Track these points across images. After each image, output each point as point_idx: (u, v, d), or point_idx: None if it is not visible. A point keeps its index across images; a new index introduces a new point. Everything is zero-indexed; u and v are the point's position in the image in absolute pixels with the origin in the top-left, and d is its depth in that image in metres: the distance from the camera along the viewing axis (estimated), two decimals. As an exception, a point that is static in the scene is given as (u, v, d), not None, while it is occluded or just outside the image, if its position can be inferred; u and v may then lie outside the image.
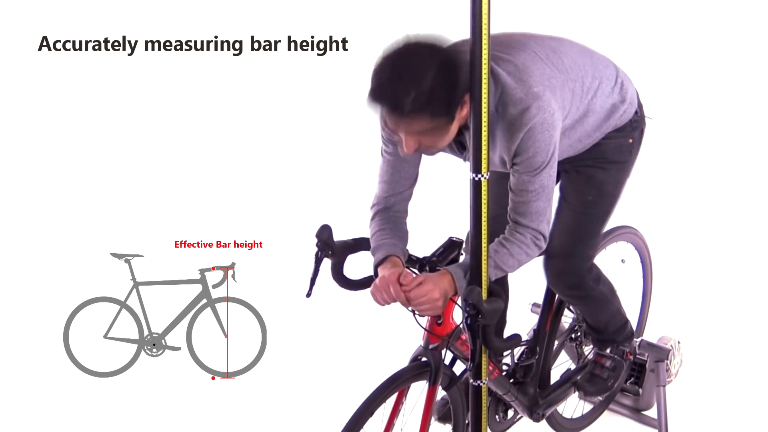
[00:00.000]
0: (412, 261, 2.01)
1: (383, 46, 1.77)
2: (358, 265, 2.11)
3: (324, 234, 1.97)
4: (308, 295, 2.00)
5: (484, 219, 1.80)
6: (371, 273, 2.04)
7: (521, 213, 1.90)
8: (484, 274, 1.84)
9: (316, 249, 1.98)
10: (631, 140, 2.22)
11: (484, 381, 2.00)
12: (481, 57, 1.68)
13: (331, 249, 1.97)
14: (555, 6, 4.69)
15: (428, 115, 1.69)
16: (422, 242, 2.18)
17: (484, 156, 1.75)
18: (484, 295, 1.83)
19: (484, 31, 1.66)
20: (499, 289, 1.86)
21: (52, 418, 3.10)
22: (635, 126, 2.22)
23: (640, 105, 2.25)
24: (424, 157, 2.15)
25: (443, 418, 2.39)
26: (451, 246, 2.03)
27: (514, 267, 1.93)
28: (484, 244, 1.81)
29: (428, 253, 2.03)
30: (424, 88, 1.65)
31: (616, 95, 2.12)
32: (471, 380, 2.02)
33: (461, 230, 2.14)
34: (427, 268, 1.97)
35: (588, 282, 2.37)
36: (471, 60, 1.69)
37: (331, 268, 2.01)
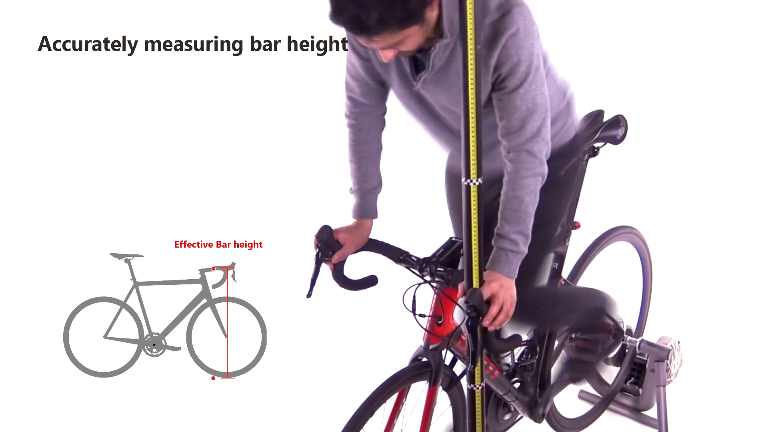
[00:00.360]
0: (411, 262, 2.00)
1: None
2: (359, 265, 2.11)
3: (324, 235, 1.97)
4: (308, 295, 2.00)
5: (474, 224, 1.79)
6: (372, 273, 2.04)
7: (513, 132, 1.80)
8: (475, 278, 1.83)
9: (316, 250, 1.98)
10: (573, 161, 2.20)
11: (478, 386, 1.99)
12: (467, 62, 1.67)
13: (332, 250, 1.97)
14: (553, 6, 4.68)
15: (397, 28, 1.61)
16: (421, 242, 2.18)
17: (473, 162, 1.74)
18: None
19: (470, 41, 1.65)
20: None
21: (52, 418, 3.10)
22: (574, 150, 2.21)
23: (580, 134, 2.25)
24: (428, 150, 2.15)
25: None
26: (451, 246, 2.03)
27: (531, 202, 1.84)
28: (475, 249, 1.81)
29: (428, 254, 2.02)
30: (385, 3, 1.55)
31: (563, 104, 2.09)
32: (467, 384, 2.02)
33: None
34: (428, 269, 1.96)
35: (546, 311, 2.32)
36: (463, 59, 1.67)
37: (332, 268, 2.01)
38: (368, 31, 1.61)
